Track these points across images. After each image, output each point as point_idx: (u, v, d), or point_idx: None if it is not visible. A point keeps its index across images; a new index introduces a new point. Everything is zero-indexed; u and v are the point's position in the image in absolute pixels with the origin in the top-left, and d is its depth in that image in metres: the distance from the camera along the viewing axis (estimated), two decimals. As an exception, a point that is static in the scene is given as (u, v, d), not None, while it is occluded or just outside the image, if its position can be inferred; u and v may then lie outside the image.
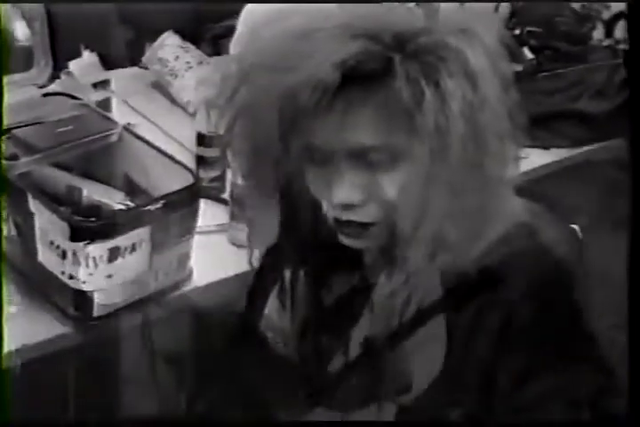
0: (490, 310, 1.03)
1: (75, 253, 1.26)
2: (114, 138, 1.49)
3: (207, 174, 1.73)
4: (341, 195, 0.99)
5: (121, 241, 1.28)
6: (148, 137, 1.54)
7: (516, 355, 1.03)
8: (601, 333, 1.07)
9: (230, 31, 1.92)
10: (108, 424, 1.66)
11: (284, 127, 0.95)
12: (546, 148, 2.13)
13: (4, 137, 1.41)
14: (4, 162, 1.35)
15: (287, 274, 1.25)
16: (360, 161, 0.99)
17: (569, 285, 1.07)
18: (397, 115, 0.94)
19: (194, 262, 1.50)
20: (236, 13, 1.90)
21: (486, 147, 0.95)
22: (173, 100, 2.15)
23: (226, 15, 2.23)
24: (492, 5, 2.22)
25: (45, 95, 1.60)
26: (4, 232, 1.39)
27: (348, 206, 1.00)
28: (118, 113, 1.95)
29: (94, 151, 1.49)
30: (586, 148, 2.20)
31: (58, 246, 1.28)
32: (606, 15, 2.43)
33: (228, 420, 1.31)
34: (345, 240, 1.07)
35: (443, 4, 1.05)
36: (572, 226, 1.32)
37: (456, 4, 1.33)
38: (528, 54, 2.18)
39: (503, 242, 1.02)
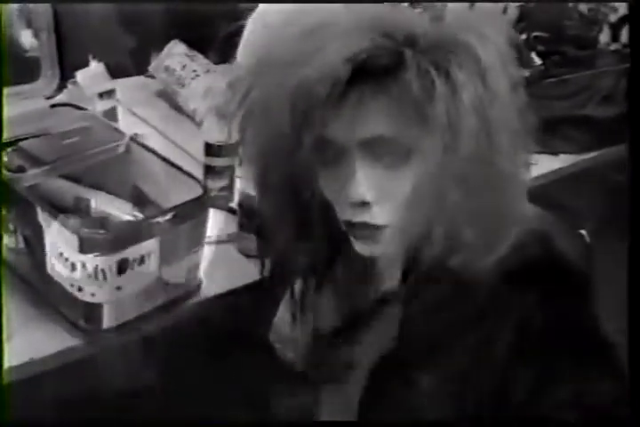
0: (504, 319, 1.03)
1: (84, 266, 1.25)
2: (121, 149, 1.48)
3: (215, 184, 1.73)
4: (355, 192, 0.99)
5: (129, 253, 1.27)
6: (154, 147, 1.54)
7: (532, 364, 1.03)
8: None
9: (236, 35, 1.91)
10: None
11: (296, 122, 0.95)
12: (554, 153, 2.12)
13: (10, 149, 1.40)
14: (10, 174, 1.35)
15: (297, 285, 1.25)
16: (373, 156, 0.98)
17: (584, 293, 1.07)
18: (409, 107, 0.94)
19: (203, 273, 1.49)
20: (244, 16, 1.90)
21: (497, 143, 0.95)
22: (180, 110, 2.14)
23: (232, 19, 2.22)
24: (500, 8, 2.21)
25: (52, 106, 1.59)
26: (13, 244, 1.39)
27: (361, 204, 1.00)
28: (124, 122, 1.95)
29: (102, 162, 1.48)
30: (594, 153, 2.19)
31: (67, 259, 1.27)
32: (613, 18, 2.42)
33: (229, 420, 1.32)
34: (358, 247, 1.06)
35: (450, 6, 1.05)
36: (581, 231, 1.32)
37: (464, 6, 1.33)
38: (536, 60, 2.18)
39: (517, 249, 1.01)
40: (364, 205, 1.00)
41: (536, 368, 1.02)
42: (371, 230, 1.02)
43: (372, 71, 0.95)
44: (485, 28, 0.98)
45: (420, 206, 0.97)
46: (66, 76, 1.93)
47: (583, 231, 1.32)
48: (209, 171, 1.73)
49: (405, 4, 1.09)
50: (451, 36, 0.96)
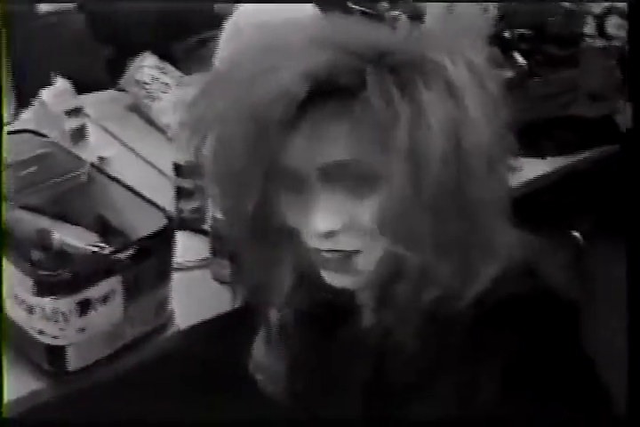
0: (488, 360, 0.96)
1: (42, 309, 1.19)
2: (83, 178, 1.42)
3: (187, 206, 1.66)
4: (320, 222, 0.92)
5: (91, 293, 1.20)
6: (125, 165, 1.47)
7: (521, 405, 0.96)
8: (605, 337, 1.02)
9: (209, 43, 1.84)
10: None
11: (249, 147, 0.88)
12: (542, 156, 2.06)
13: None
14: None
15: (273, 314, 1.19)
16: (335, 183, 0.91)
17: (576, 331, 1.00)
18: (372, 130, 0.87)
19: (175, 302, 1.42)
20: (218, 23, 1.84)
21: (470, 169, 0.88)
22: (153, 124, 2.08)
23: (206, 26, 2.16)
24: (480, 8, 2.15)
25: (9, 133, 1.51)
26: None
27: (328, 234, 0.93)
28: (95, 139, 1.89)
29: (65, 192, 1.42)
30: (583, 154, 2.14)
31: (23, 301, 1.20)
32: (597, 9, 2.38)
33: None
34: (328, 278, 1.00)
35: (427, 22, 1.00)
36: (573, 233, 1.28)
37: (440, 23, 1.27)
38: (519, 59, 2.11)
39: (501, 283, 0.94)
40: (330, 234, 0.93)
41: (527, 410, 0.96)
42: (340, 257, 0.96)
43: (333, 92, 0.88)
44: (458, 44, 0.92)
45: (388, 234, 0.91)
46: (23, 99, 1.86)
47: (576, 233, 1.27)
48: (180, 192, 1.66)
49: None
50: (419, 54, 0.89)
